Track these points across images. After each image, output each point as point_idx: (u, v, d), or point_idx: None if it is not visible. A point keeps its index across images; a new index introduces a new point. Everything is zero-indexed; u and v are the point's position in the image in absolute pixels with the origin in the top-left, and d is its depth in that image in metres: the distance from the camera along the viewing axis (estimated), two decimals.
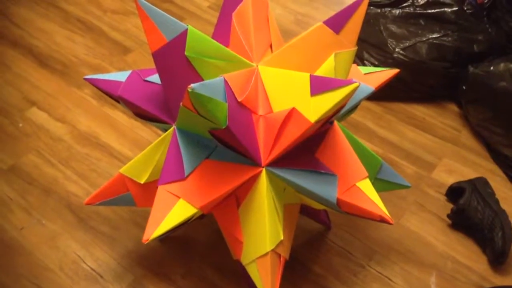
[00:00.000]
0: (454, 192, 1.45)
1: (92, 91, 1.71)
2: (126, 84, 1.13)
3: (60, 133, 1.59)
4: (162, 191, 0.95)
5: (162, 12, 0.98)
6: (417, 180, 1.54)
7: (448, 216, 1.41)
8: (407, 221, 1.43)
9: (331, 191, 0.97)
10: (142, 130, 1.62)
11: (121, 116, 1.65)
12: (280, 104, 0.97)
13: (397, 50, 1.72)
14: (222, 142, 0.96)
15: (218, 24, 1.15)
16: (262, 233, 0.99)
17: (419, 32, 1.75)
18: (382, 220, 0.97)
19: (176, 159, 0.99)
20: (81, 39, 1.95)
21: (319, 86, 0.90)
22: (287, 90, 0.96)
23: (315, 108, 0.90)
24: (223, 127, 0.87)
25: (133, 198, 1.11)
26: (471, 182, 1.44)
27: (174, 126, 1.03)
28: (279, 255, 1.04)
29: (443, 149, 1.65)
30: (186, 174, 0.96)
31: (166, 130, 1.12)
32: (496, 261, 1.31)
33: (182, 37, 0.97)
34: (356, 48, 1.06)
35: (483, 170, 1.58)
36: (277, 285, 1.04)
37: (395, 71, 1.26)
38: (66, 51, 1.90)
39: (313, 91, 0.91)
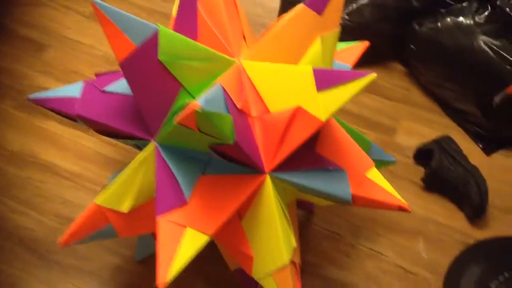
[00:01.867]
0: (422, 154, 1.46)
1: (13, 102, 1.47)
2: (82, 100, 0.95)
3: None
4: (163, 222, 0.82)
5: (125, 13, 0.82)
6: (382, 146, 1.53)
7: (422, 179, 1.42)
8: None
9: (344, 188, 0.90)
10: (83, 138, 1.43)
11: (55, 126, 1.44)
12: (277, 103, 0.87)
13: (343, 16, 1.66)
14: (223, 156, 0.85)
15: (178, 16, 1.00)
16: (276, 245, 0.90)
17: None
18: (400, 209, 0.93)
19: (169, 182, 0.86)
20: None
21: (326, 80, 0.81)
22: (284, 87, 0.86)
23: (324, 105, 0.81)
24: (231, 142, 0.76)
25: (115, 230, 0.96)
26: (437, 142, 1.45)
27: (154, 143, 0.89)
28: (295, 263, 0.97)
29: (398, 110, 1.65)
30: (187, 197, 0.84)
31: (138, 146, 0.98)
32: (476, 217, 1.34)
33: (153, 40, 0.82)
34: (340, 28, 0.98)
35: (440, 127, 1.60)
36: None
37: (365, 44, 1.21)
38: None
39: (319, 86, 0.82)
